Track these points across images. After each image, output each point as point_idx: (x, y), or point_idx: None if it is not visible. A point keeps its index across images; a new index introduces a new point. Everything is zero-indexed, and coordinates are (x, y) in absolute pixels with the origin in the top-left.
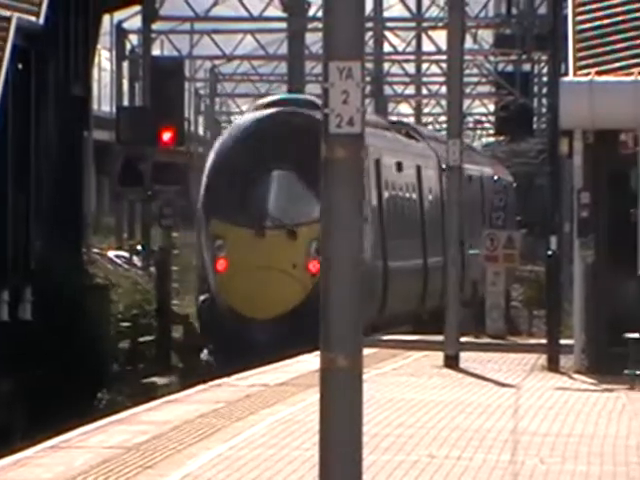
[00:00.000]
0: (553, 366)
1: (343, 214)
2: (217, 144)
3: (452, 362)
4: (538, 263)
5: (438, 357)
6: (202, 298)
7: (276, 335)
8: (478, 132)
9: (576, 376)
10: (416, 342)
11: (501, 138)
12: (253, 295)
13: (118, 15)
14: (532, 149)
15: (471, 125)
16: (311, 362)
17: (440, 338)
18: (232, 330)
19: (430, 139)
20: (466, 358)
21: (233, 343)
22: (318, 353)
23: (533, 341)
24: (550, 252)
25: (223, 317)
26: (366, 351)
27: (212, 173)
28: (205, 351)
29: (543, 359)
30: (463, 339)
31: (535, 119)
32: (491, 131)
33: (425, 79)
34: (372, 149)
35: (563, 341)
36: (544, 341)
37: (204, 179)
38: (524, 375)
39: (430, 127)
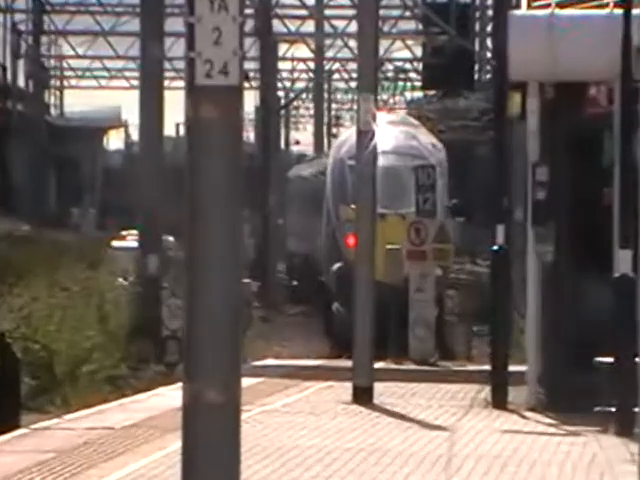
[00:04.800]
0: (499, 401)
1: (215, 196)
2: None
3: (364, 396)
4: (480, 262)
5: (345, 389)
6: (337, 266)
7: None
8: (400, 84)
9: (530, 414)
10: (316, 368)
11: (431, 93)
12: (381, 261)
13: None
14: (472, 108)
15: (390, 75)
16: (171, 396)
17: (348, 364)
18: None
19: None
20: (383, 390)
21: None
22: (180, 384)
23: (473, 367)
24: (496, 247)
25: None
26: (248, 381)
27: (339, 171)
28: (336, 304)
29: (486, 391)
30: (378, 365)
31: (476, 67)
32: (418, 83)
33: (328, 12)
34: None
35: (513, 367)
36: (487, 367)
37: (331, 176)
38: (461, 413)
39: (336, 76)
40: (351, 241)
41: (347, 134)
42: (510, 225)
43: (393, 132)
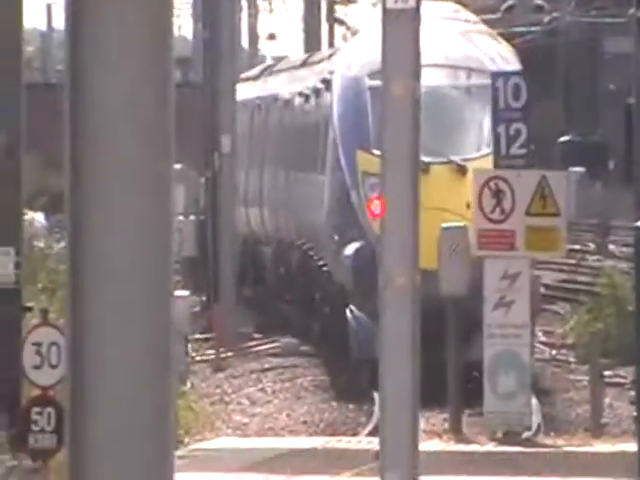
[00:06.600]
0: None
1: (122, 139)
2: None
3: None
4: (614, 248)
5: None
6: (354, 247)
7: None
8: None
9: None
10: (311, 453)
11: None
12: (421, 241)
13: None
14: None
15: None
16: None
17: (371, 442)
18: None
19: None
20: None
21: None
22: None
23: (604, 447)
24: None
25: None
26: (185, 478)
27: (354, 98)
28: (351, 308)
29: None
30: (428, 444)
31: None
32: None
33: None
34: None
35: None
36: (632, 447)
37: (340, 106)
38: None
39: None
40: (377, 207)
41: (362, 36)
42: None
43: (438, 32)
